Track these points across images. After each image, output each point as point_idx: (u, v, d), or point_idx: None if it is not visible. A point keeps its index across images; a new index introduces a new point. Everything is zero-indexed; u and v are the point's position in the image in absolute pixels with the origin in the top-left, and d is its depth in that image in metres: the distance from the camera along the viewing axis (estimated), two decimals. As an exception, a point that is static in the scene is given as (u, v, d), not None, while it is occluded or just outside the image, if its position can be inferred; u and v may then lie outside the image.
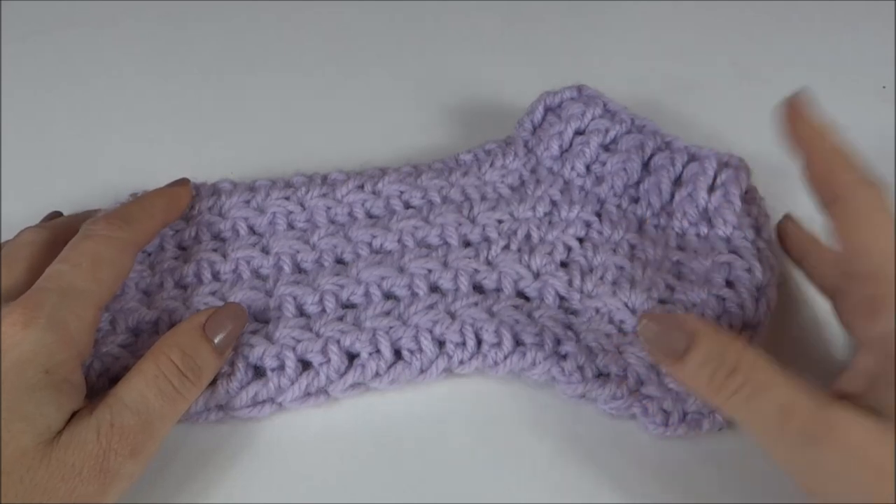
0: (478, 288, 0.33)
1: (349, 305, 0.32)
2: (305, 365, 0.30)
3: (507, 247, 0.34)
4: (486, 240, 0.34)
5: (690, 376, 0.26)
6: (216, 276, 0.33)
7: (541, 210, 0.35)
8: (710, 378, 0.25)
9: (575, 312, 0.32)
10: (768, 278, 0.32)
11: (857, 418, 0.23)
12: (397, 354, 0.31)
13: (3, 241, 0.33)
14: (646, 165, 0.35)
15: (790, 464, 0.25)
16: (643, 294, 0.32)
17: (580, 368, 0.30)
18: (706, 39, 0.51)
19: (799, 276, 0.35)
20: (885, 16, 0.51)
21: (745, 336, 0.31)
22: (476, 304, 0.32)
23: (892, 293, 0.25)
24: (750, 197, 0.35)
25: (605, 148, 0.36)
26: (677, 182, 0.34)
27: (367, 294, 0.32)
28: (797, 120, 0.29)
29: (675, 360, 0.26)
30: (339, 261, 0.34)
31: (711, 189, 0.34)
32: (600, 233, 0.34)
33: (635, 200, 0.35)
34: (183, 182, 0.35)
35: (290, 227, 0.35)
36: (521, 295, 0.33)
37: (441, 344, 0.31)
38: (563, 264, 0.33)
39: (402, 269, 0.33)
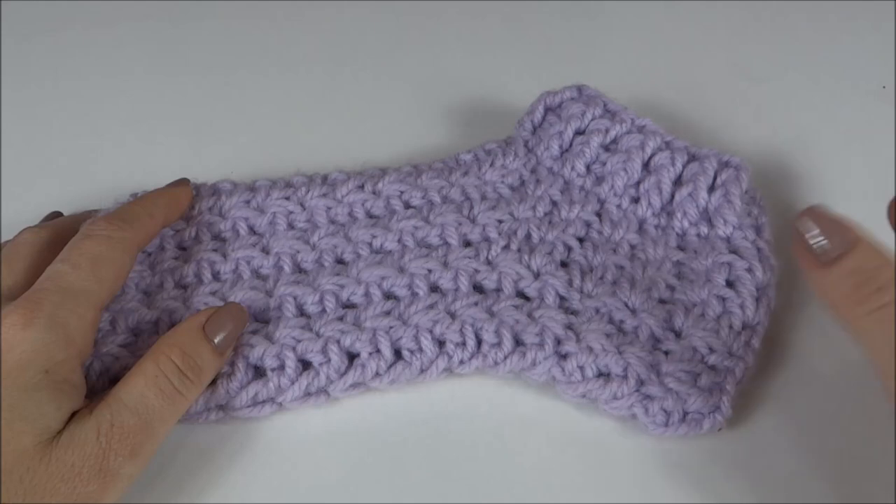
0: (478, 288, 0.33)
1: (349, 305, 0.32)
2: (305, 365, 0.30)
3: (507, 247, 0.34)
4: (487, 240, 0.34)
5: (833, 283, 0.25)
6: (216, 276, 0.33)
7: (541, 210, 0.35)
8: (854, 288, 0.25)
9: (575, 312, 0.32)
10: (769, 278, 0.32)
11: None
12: (397, 354, 0.31)
13: (3, 241, 0.33)
14: (646, 165, 0.35)
15: None
16: (643, 294, 0.32)
17: (580, 368, 0.30)
18: (706, 39, 0.50)
19: (799, 275, 0.35)
20: (885, 16, 0.51)
21: (745, 336, 0.31)
22: (476, 303, 0.32)
23: None
24: (750, 197, 0.35)
25: (606, 148, 0.36)
26: (678, 182, 0.34)
27: (367, 294, 0.32)
28: None
29: (822, 265, 0.25)
30: (340, 261, 0.34)
31: (712, 189, 0.34)
32: (600, 233, 0.34)
33: (635, 200, 0.35)
34: (183, 182, 0.35)
35: (291, 227, 0.35)
36: (521, 295, 0.33)
37: (441, 344, 0.31)
38: (564, 264, 0.33)
39: (402, 269, 0.33)
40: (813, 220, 0.26)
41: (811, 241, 0.26)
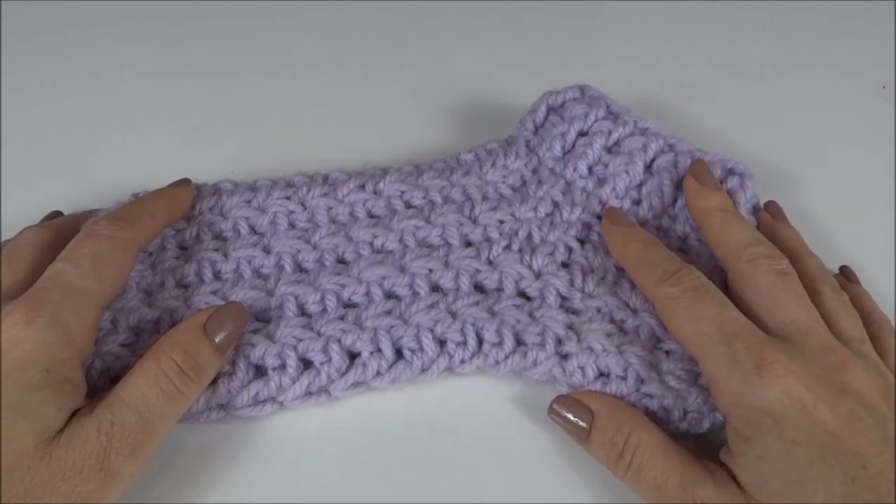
0: (479, 288, 0.33)
1: (350, 305, 0.32)
2: (307, 364, 0.30)
3: (508, 247, 0.34)
4: (488, 240, 0.34)
5: (596, 456, 0.29)
6: (217, 276, 0.33)
7: (542, 211, 0.35)
8: (609, 460, 0.28)
9: (576, 312, 0.32)
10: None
11: (716, 500, 0.25)
12: (398, 353, 0.31)
13: (3, 240, 0.33)
14: (648, 168, 0.35)
15: None
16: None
17: (581, 368, 0.30)
18: (706, 39, 0.51)
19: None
20: (885, 16, 0.52)
21: None
22: (477, 303, 0.32)
23: (721, 374, 0.26)
24: (752, 206, 0.34)
25: (608, 149, 0.36)
26: (680, 185, 0.34)
27: (368, 293, 0.32)
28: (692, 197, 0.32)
29: (583, 441, 0.29)
30: (341, 260, 0.34)
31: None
32: (601, 235, 0.34)
33: (637, 203, 0.35)
34: (184, 182, 0.35)
35: (292, 226, 0.35)
36: (522, 295, 0.33)
37: (442, 343, 0.31)
38: (564, 265, 0.33)
39: (403, 269, 0.33)
40: (561, 406, 0.29)
41: (568, 425, 0.29)
